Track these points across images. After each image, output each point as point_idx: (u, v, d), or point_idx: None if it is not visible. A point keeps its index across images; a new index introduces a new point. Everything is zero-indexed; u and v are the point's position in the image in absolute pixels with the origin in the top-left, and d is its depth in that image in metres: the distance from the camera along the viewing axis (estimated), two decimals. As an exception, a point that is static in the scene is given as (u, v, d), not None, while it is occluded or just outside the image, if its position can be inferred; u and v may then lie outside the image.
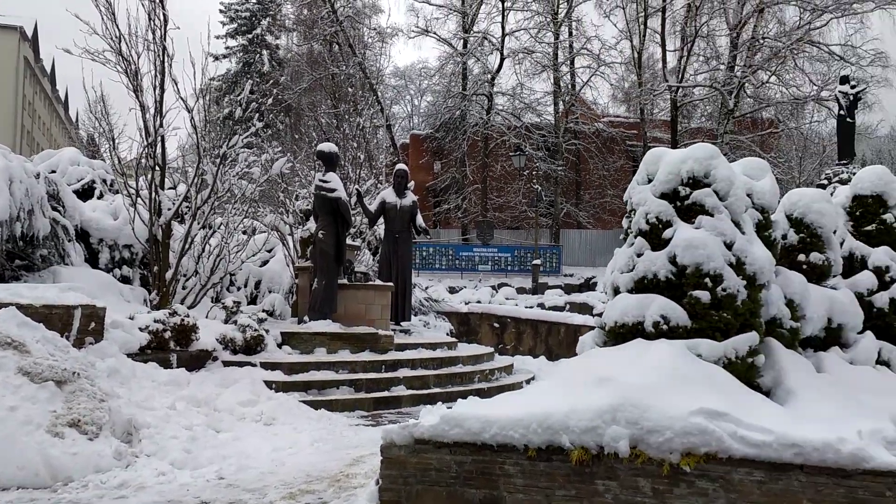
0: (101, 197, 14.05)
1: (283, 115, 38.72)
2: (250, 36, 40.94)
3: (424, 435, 5.25)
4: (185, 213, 12.70)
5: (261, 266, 14.69)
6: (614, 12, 34.85)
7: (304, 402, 9.14)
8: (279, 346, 10.89)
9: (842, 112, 23.84)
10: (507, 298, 23.40)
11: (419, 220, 14.39)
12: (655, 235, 6.21)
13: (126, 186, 12.34)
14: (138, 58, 12.06)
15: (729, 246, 6.04)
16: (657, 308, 5.94)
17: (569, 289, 26.13)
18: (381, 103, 35.92)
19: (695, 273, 5.91)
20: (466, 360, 12.58)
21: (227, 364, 9.93)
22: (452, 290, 24.24)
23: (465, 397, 8.53)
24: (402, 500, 5.23)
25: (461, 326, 19.04)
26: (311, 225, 13.22)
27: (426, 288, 21.17)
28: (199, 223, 12.42)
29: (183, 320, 9.80)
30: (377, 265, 14.86)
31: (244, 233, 14.07)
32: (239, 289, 14.06)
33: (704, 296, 5.88)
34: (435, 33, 35.55)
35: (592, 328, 6.65)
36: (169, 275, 11.98)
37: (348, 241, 13.80)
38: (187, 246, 12.17)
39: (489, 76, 34.89)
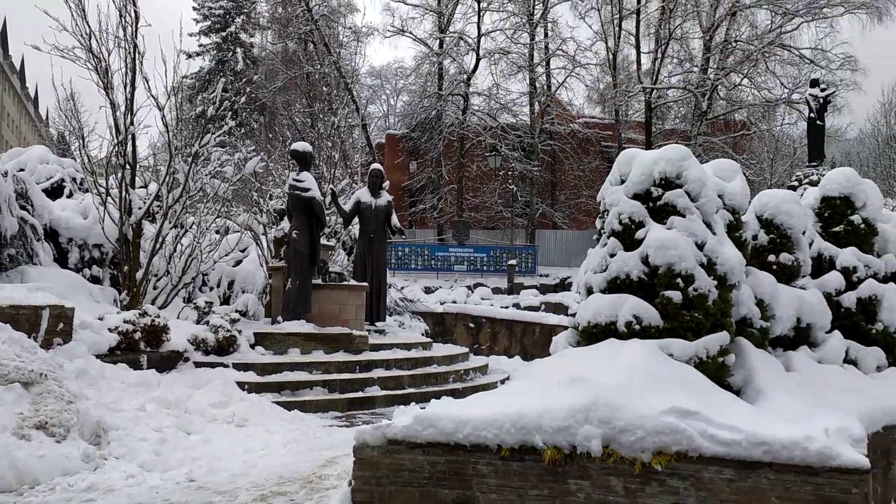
0: (70, 196, 13.84)
1: (258, 114, 38.42)
2: (224, 34, 40.55)
3: (397, 435, 5.23)
4: (157, 213, 12.54)
5: (234, 266, 14.56)
6: (589, 14, 35.09)
7: (278, 403, 9.06)
8: (252, 346, 10.80)
9: (812, 115, 24.17)
10: (482, 298, 23.42)
11: (394, 220, 14.35)
12: (628, 236, 6.25)
13: (96, 185, 12.16)
14: (109, 55, 11.90)
15: (700, 246, 6.09)
16: (630, 308, 5.98)
17: (544, 289, 26.22)
18: (357, 103, 35.78)
19: (667, 273, 5.95)
20: (441, 360, 12.57)
21: (198, 365, 9.83)
22: (428, 291, 24.21)
23: (440, 398, 8.53)
24: (375, 501, 5.21)
25: (436, 327, 19.02)
26: (286, 224, 13.12)
27: (401, 288, 21.12)
28: (170, 222, 12.28)
29: (153, 321, 9.68)
30: (352, 265, 14.80)
31: (217, 232, 13.93)
32: (212, 289, 13.92)
33: (676, 296, 5.93)
34: (411, 33, 35.52)
35: (567, 328, 6.67)
36: (139, 275, 11.82)
37: (323, 240, 13.72)
38: (158, 245, 12.02)
39: (465, 76, 34.92)
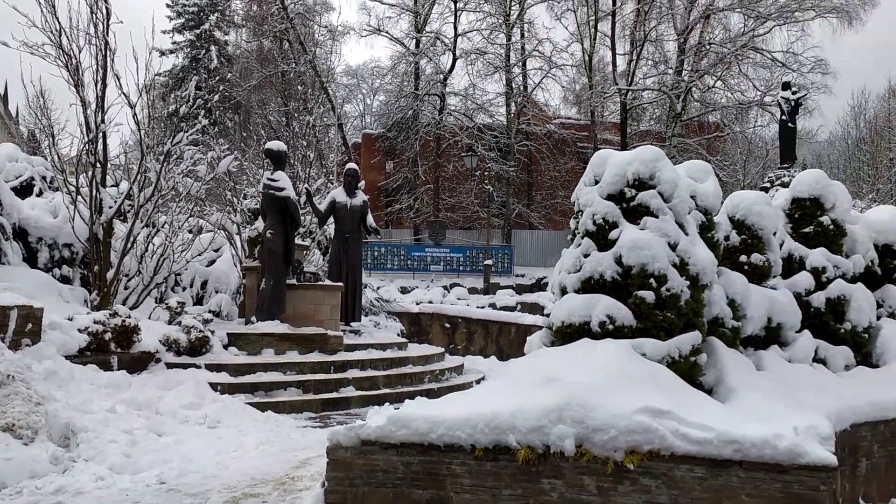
0: (40, 194, 13.63)
1: (232, 113, 38.10)
2: (198, 31, 40.13)
3: (371, 436, 5.21)
4: (128, 212, 12.39)
5: (207, 266, 14.42)
6: (565, 15, 35.24)
7: (251, 404, 8.99)
8: (225, 347, 10.70)
9: (784, 117, 24.53)
10: (458, 298, 23.43)
11: (370, 219, 14.30)
12: (602, 236, 6.28)
13: (66, 184, 11.99)
14: (79, 52, 11.73)
15: (673, 247, 6.14)
16: (603, 308, 6.01)
17: (520, 289, 26.29)
18: (333, 102, 35.61)
19: (640, 273, 5.99)
20: (417, 360, 12.55)
21: (170, 366, 9.72)
22: (404, 291, 24.17)
23: (415, 398, 8.50)
24: (348, 502, 5.18)
25: (412, 327, 18.99)
26: (260, 224, 13.03)
27: (377, 288, 21.06)
28: (142, 221, 12.13)
29: (124, 321, 9.55)
30: (327, 265, 14.72)
31: (190, 232, 13.78)
32: (184, 289, 13.77)
33: (649, 296, 5.97)
34: (387, 32, 35.42)
35: (542, 328, 6.69)
36: (110, 274, 11.67)
37: (298, 240, 13.64)
38: (129, 245, 11.87)
39: (441, 76, 34.91)
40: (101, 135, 11.87)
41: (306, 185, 15.05)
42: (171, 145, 12.24)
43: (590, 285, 6.24)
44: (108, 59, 11.82)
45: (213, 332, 10.59)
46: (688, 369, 5.91)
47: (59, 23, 11.57)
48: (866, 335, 7.82)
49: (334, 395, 10.16)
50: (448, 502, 5.09)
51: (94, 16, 11.77)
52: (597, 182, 6.57)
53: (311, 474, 6.45)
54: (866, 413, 6.57)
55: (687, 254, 6.16)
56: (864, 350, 7.90)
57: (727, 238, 7.52)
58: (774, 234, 7.75)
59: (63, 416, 6.94)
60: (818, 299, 7.76)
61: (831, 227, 8.14)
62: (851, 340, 7.74)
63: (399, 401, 9.25)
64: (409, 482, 5.15)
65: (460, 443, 5.06)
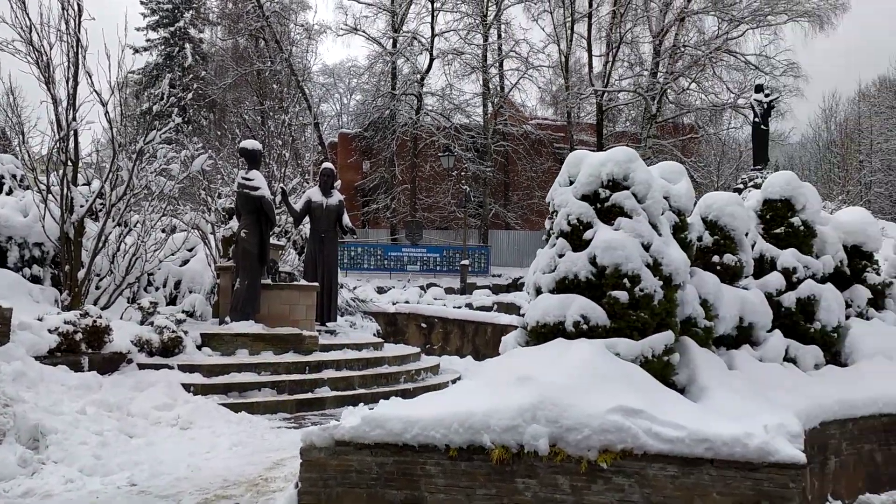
0: (10, 193, 13.42)
1: (207, 111, 37.75)
2: (172, 29, 39.71)
3: (345, 436, 5.19)
4: (100, 211, 12.21)
5: (181, 265, 14.27)
6: (542, 16, 35.37)
7: (224, 404, 8.92)
8: (199, 347, 10.59)
9: (756, 119, 24.83)
10: (435, 298, 23.41)
11: (346, 219, 14.24)
12: (576, 236, 6.31)
13: (37, 182, 11.78)
14: (50, 49, 11.55)
15: (647, 247, 6.19)
16: (577, 308, 6.04)
17: (497, 289, 26.34)
18: (309, 101, 35.41)
19: (614, 274, 6.03)
20: (392, 360, 12.52)
21: (142, 367, 9.60)
22: (381, 291, 24.10)
23: (391, 398, 8.48)
24: (322, 503, 5.15)
25: (388, 327, 18.95)
26: (234, 224, 12.91)
27: (354, 288, 20.98)
28: (114, 221, 11.97)
29: (95, 321, 9.42)
30: (303, 265, 14.63)
31: (163, 231, 13.63)
32: (157, 289, 13.61)
33: (623, 296, 6.01)
34: (364, 32, 35.29)
35: (518, 328, 6.71)
36: (81, 274, 11.50)
37: (273, 240, 13.54)
38: (101, 244, 11.71)
39: (419, 76, 34.87)
40: (72, 133, 11.70)
41: (281, 185, 14.95)
42: (144, 143, 12.09)
43: (564, 285, 6.27)
44: (80, 56, 11.65)
45: (186, 333, 10.48)
46: (661, 369, 5.97)
47: (30, 19, 11.39)
48: (835, 335, 7.95)
49: (309, 395, 10.10)
50: (422, 502, 5.08)
51: (65, 12, 11.59)
52: (571, 183, 6.60)
53: (284, 475, 6.41)
54: (835, 411, 6.68)
55: (660, 254, 6.21)
56: (833, 349, 8.03)
57: (700, 238, 7.60)
58: (746, 234, 7.85)
59: (32, 417, 6.83)
60: (789, 299, 7.87)
61: (802, 228, 8.26)
62: (821, 340, 7.86)
63: (374, 401, 9.22)
64: (384, 482, 5.14)
65: (435, 443, 5.06)
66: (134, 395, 8.66)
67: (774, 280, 7.95)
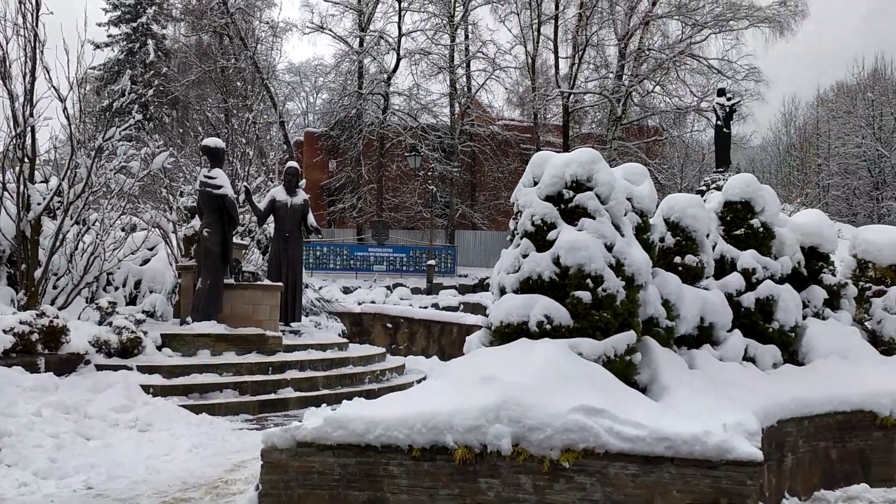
0: (-37, 190, 13.02)
1: (169, 108, 37.18)
2: (135, 24, 39.02)
3: (307, 437, 5.14)
4: (57, 209, 11.95)
5: (141, 265, 14.02)
6: (509, 18, 35.54)
7: (184, 406, 8.78)
8: (159, 348, 10.41)
9: (719, 122, 25.20)
10: (401, 299, 23.37)
11: (310, 219, 14.13)
12: (540, 237, 6.34)
13: (-9, 179, 11.48)
14: (7, 43, 11.27)
15: (609, 248, 6.24)
16: (541, 308, 6.07)
17: (463, 289, 26.38)
18: (274, 99, 35.11)
19: (577, 274, 6.07)
20: (357, 360, 12.45)
21: (100, 368, 9.40)
22: (347, 291, 23.98)
23: (355, 399, 8.41)
24: (283, 506, 5.10)
25: (354, 327, 18.85)
26: (196, 223, 12.73)
27: (319, 288, 20.83)
28: (72, 219, 11.72)
29: (52, 321, 9.20)
30: (267, 265, 14.49)
31: (122, 230, 13.38)
32: (117, 289, 13.35)
33: (586, 296, 6.05)
34: (330, 30, 35.10)
35: (482, 328, 6.71)
36: (38, 273, 11.24)
37: (236, 239, 13.38)
38: (59, 243, 11.45)
39: (385, 76, 34.79)
40: (29, 129, 11.43)
41: (245, 184, 14.78)
42: (104, 140, 11.86)
43: (528, 286, 6.29)
44: (38, 50, 11.39)
45: (145, 333, 10.30)
46: (623, 368, 6.02)
47: (-15, 12, 11.11)
48: (793, 334, 8.10)
49: (272, 396, 9.99)
50: (385, 503, 5.05)
51: (22, 6, 11.32)
52: (536, 183, 6.63)
53: (245, 477, 6.33)
54: (792, 410, 6.80)
55: (623, 255, 6.26)
56: (790, 349, 8.18)
57: (662, 239, 7.68)
58: (707, 236, 7.96)
59: (-16, 420, 6.66)
60: (748, 299, 7.99)
61: (761, 229, 8.40)
62: (779, 339, 8.00)
63: (339, 402, 9.11)
64: (346, 484, 5.10)
65: (398, 443, 5.04)
66: (91, 396, 8.48)
67: (734, 281, 8.07)
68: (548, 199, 6.45)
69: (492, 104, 38.93)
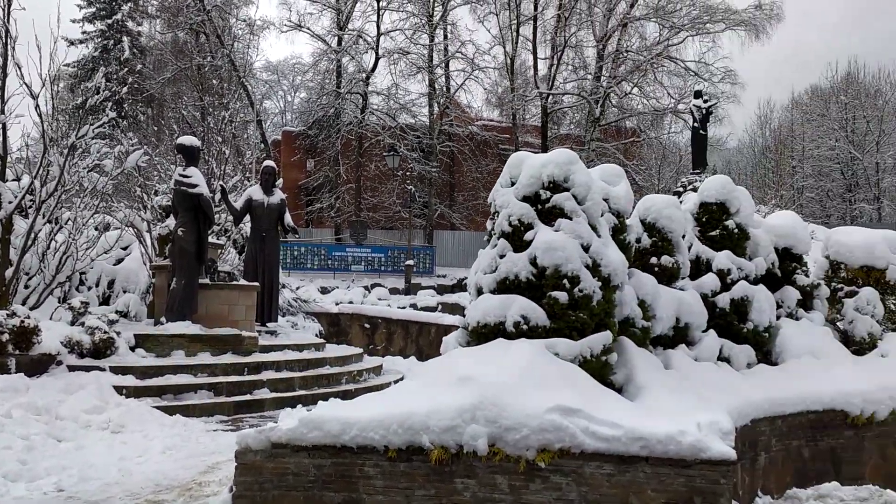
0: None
1: (144, 106, 36.78)
2: (110, 21, 38.53)
3: (282, 438, 5.10)
4: (29, 207, 11.77)
5: (115, 264, 13.85)
6: (488, 18, 35.57)
7: (158, 407, 8.68)
8: (132, 349, 10.29)
9: (695, 124, 25.41)
10: (379, 299, 23.29)
11: (287, 218, 14.05)
12: (517, 237, 6.35)
13: (-39, 177, 11.29)
14: (-24, 38, 11.07)
15: (586, 248, 6.26)
16: (518, 308, 6.07)
17: (441, 289, 26.36)
18: (251, 98, 34.85)
19: (554, 274, 6.08)
20: (334, 361, 12.39)
21: (72, 369, 9.28)
22: (324, 291, 23.86)
23: (331, 399, 8.37)
24: (257, 508, 5.05)
25: (331, 327, 18.76)
26: (171, 222, 12.59)
27: (297, 288, 20.70)
28: (44, 217, 11.55)
29: (23, 321, 9.06)
30: (243, 264, 14.37)
31: (96, 229, 13.20)
32: (90, 288, 13.18)
33: (562, 296, 6.06)
34: (308, 29, 34.89)
35: (459, 328, 6.71)
36: (9, 273, 11.06)
37: (212, 239, 13.25)
38: (30, 242, 11.28)
39: (364, 75, 34.67)
40: (0, 126, 11.24)
41: (221, 182, 14.65)
42: (77, 138, 11.69)
43: (505, 286, 6.30)
44: (10, 47, 11.21)
45: (118, 334, 10.17)
46: (599, 368, 6.04)
47: (-46, 6, 10.91)
48: (767, 334, 8.18)
49: (248, 397, 9.90)
50: (360, 504, 5.03)
51: (-8, 1, 11.13)
52: (513, 184, 6.64)
53: (219, 479, 6.27)
54: (765, 409, 6.87)
55: (599, 255, 6.29)
56: (764, 349, 8.26)
57: (639, 240, 7.72)
58: (683, 236, 8.02)
59: (-49, 422, 6.53)
60: (723, 300, 8.06)
61: (736, 230, 8.47)
62: (753, 339, 8.07)
63: (315, 402, 9.06)
64: (321, 485, 5.07)
65: (373, 444, 5.01)
66: (63, 397, 8.36)
67: (710, 281, 8.14)
68: (525, 199, 6.46)
69: (471, 104, 39.02)
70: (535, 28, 34.46)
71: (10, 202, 11.26)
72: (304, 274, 27.61)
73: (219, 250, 14.51)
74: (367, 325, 19.27)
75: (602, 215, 6.74)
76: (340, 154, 33.63)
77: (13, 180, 12.16)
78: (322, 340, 13.82)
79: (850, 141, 40.89)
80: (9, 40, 11.22)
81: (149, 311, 13.09)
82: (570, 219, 6.31)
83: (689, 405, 5.71)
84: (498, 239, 6.50)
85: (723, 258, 8.28)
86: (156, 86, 35.26)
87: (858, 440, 7.59)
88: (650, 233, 7.80)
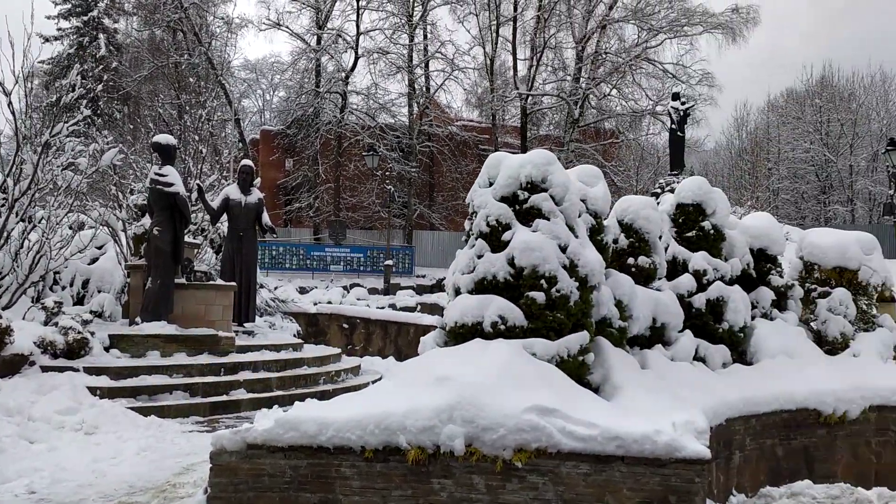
0: None
1: (121, 104, 36.38)
2: (86, 18, 38.05)
3: (258, 439, 5.07)
4: (2, 206, 11.58)
5: (89, 264, 13.66)
6: (468, 19, 35.65)
7: (133, 408, 8.59)
8: (107, 349, 10.16)
9: (673, 126, 25.63)
10: (358, 299, 23.21)
11: (265, 218, 13.96)
12: (495, 237, 6.35)
13: (-68, 175, 11.10)
14: (-52, 33, 10.90)
15: (564, 249, 6.28)
16: (496, 308, 6.08)
17: (420, 289, 26.34)
18: (229, 96, 34.62)
19: (531, 275, 6.09)
20: (312, 361, 12.33)
21: (46, 369, 9.14)
22: (303, 291, 23.74)
23: (308, 400, 8.32)
24: (232, 509, 5.01)
25: (310, 328, 18.66)
26: (147, 221, 12.45)
27: (275, 288, 20.57)
28: (17, 216, 11.38)
29: (-6, 322, 8.92)
30: (220, 264, 14.26)
31: (70, 228, 13.02)
32: (64, 288, 12.99)
33: (540, 296, 6.08)
34: (287, 27, 34.72)
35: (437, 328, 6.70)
36: (-19, 272, 10.89)
37: (189, 238, 13.13)
38: (3, 241, 11.11)
39: (343, 74, 34.56)
40: (-29, 122, 11.08)
41: (198, 182, 14.52)
42: (51, 136, 11.53)
43: (483, 286, 6.30)
44: (-19, 41, 11.05)
45: (93, 334, 10.04)
46: (576, 368, 6.06)
47: (-76, 0, 10.72)
48: (742, 335, 8.25)
49: (224, 398, 9.83)
50: (337, 505, 5.00)
51: (-36, -5, 10.97)
52: (491, 184, 6.64)
53: (194, 481, 6.21)
54: (740, 408, 6.93)
55: (577, 256, 6.31)
56: (740, 349, 8.34)
57: (616, 241, 7.76)
58: (660, 237, 8.07)
59: (-81, 424, 6.42)
60: (699, 300, 8.12)
61: (712, 231, 8.54)
62: (729, 339, 8.14)
63: (292, 403, 8.98)
64: (297, 486, 5.04)
65: (350, 444, 5.00)
66: (36, 398, 8.25)
67: (686, 282, 8.20)
68: (503, 199, 6.47)
69: (450, 105, 39.04)
70: (514, 29, 34.58)
71: (-19, 200, 11.09)
72: (283, 274, 27.47)
73: (195, 250, 14.38)
74: (345, 326, 19.20)
75: (580, 216, 6.77)
76: (319, 153, 33.50)
77: (-15, 178, 11.97)
78: (300, 341, 13.75)
79: (824, 144, 41.44)
80: (-20, 36, 11.05)
81: (124, 311, 12.93)
82: (548, 219, 6.33)
83: (664, 405, 5.75)
84: (476, 239, 6.50)
85: (699, 259, 8.35)
86: (132, 83, 34.92)
87: (831, 439, 7.69)
88: (627, 233, 7.84)
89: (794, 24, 77.01)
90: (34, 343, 9.44)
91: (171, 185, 11.50)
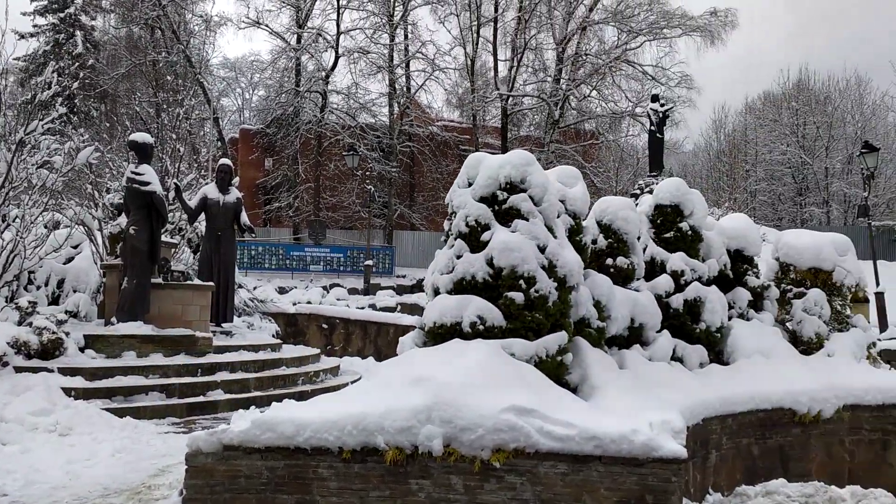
0: None
1: (98, 102, 35.98)
2: (62, 15, 37.56)
3: (234, 440, 5.03)
4: (-25, 204, 11.41)
5: (64, 263, 13.48)
6: (449, 19, 35.67)
7: (108, 409, 8.48)
8: (82, 349, 10.03)
9: (652, 128, 25.85)
10: (338, 299, 23.13)
11: (244, 217, 13.87)
12: (475, 238, 6.36)
13: None
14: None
15: (542, 249, 6.29)
16: (474, 309, 6.08)
17: (401, 290, 26.31)
18: (208, 94, 34.35)
19: (510, 275, 6.10)
20: (290, 361, 12.26)
21: (19, 370, 9.01)
22: (282, 291, 23.62)
23: (286, 400, 8.27)
24: (208, 511, 4.97)
25: (289, 328, 18.56)
26: (123, 220, 12.31)
27: (254, 288, 20.43)
28: (-10, 215, 11.22)
29: (-34, 322, 8.78)
30: (198, 264, 14.14)
31: (45, 227, 12.85)
32: (38, 288, 12.80)
33: (519, 297, 6.09)
34: (267, 26, 34.53)
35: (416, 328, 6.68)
36: (-47, 271, 10.72)
37: (166, 237, 13.00)
38: (-24, 240, 10.95)
39: (323, 74, 34.44)
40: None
41: (175, 181, 14.39)
42: (25, 134, 11.37)
43: (462, 286, 6.30)
44: (-47, 37, 10.87)
45: (67, 334, 9.91)
46: (554, 368, 6.08)
47: None
48: (719, 335, 8.32)
49: (201, 399, 9.74)
50: (314, 507, 4.97)
51: (-64, -11, 10.78)
52: (470, 184, 6.65)
53: (169, 482, 6.15)
54: (716, 408, 6.99)
55: (555, 256, 6.33)
56: (716, 349, 8.41)
57: (595, 241, 7.79)
58: (639, 238, 8.12)
59: None
60: (677, 301, 8.18)
61: (689, 232, 8.60)
62: (706, 339, 8.20)
63: (270, 404, 8.95)
64: (274, 487, 5.01)
65: (328, 445, 4.97)
66: (9, 399, 8.13)
67: (664, 282, 8.25)
68: (482, 200, 6.48)
69: (431, 105, 39.05)
70: (495, 30, 34.65)
71: (-47, 198, 10.91)
72: (262, 274, 27.32)
73: (172, 249, 14.25)
74: (324, 326, 19.11)
75: (559, 216, 6.79)
76: (299, 153, 33.36)
77: (-42, 176, 11.77)
78: (279, 341, 13.67)
79: (800, 146, 41.91)
80: (-47, 31, 10.88)
81: (99, 311, 12.77)
82: (527, 220, 6.35)
83: (642, 404, 5.78)
84: (455, 239, 6.50)
85: (677, 260, 8.40)
86: (109, 81, 34.55)
87: (805, 438, 7.77)
88: (606, 234, 7.88)
89: (772, 28, 77.92)
90: (7, 343, 9.30)
91: (147, 183, 11.38)
